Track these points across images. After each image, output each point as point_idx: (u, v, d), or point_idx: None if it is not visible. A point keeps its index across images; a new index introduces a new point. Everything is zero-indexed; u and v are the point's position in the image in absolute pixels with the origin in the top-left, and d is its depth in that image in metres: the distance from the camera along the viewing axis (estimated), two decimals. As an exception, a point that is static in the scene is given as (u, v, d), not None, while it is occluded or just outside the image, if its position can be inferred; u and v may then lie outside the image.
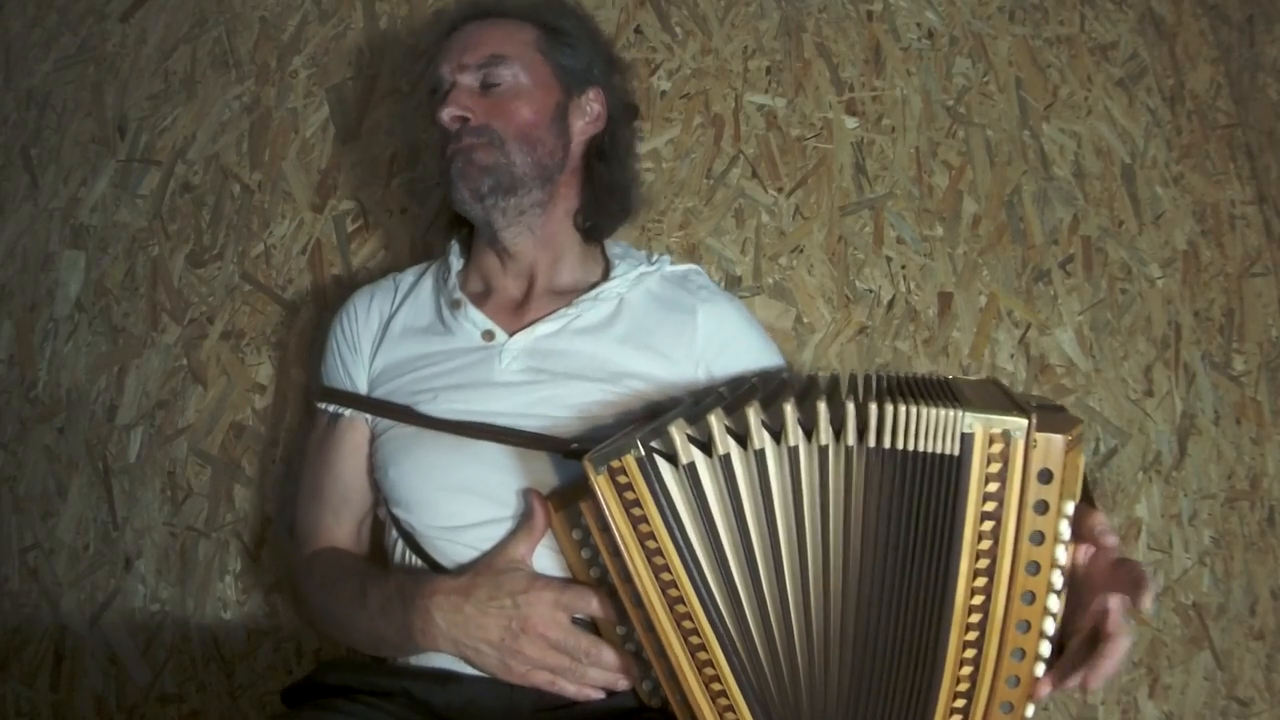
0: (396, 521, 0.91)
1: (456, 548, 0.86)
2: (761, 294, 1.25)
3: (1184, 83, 1.38)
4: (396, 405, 0.92)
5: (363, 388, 0.97)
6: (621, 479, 0.69)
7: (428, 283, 1.00)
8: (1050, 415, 0.66)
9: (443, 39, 0.99)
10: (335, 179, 1.27)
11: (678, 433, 0.69)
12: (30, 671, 1.17)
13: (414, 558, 0.89)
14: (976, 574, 0.65)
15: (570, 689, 0.80)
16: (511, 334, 0.92)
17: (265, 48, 1.31)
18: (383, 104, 1.28)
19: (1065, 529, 0.66)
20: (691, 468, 0.69)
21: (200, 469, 1.20)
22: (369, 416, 0.95)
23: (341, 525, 0.97)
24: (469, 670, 0.83)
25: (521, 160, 0.93)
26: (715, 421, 0.68)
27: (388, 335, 0.97)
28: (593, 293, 0.94)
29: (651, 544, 0.70)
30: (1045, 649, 0.67)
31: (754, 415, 0.68)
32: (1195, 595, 1.24)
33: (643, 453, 0.68)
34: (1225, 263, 1.33)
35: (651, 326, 0.93)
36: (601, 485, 0.70)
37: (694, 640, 0.71)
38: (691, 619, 0.71)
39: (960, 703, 0.68)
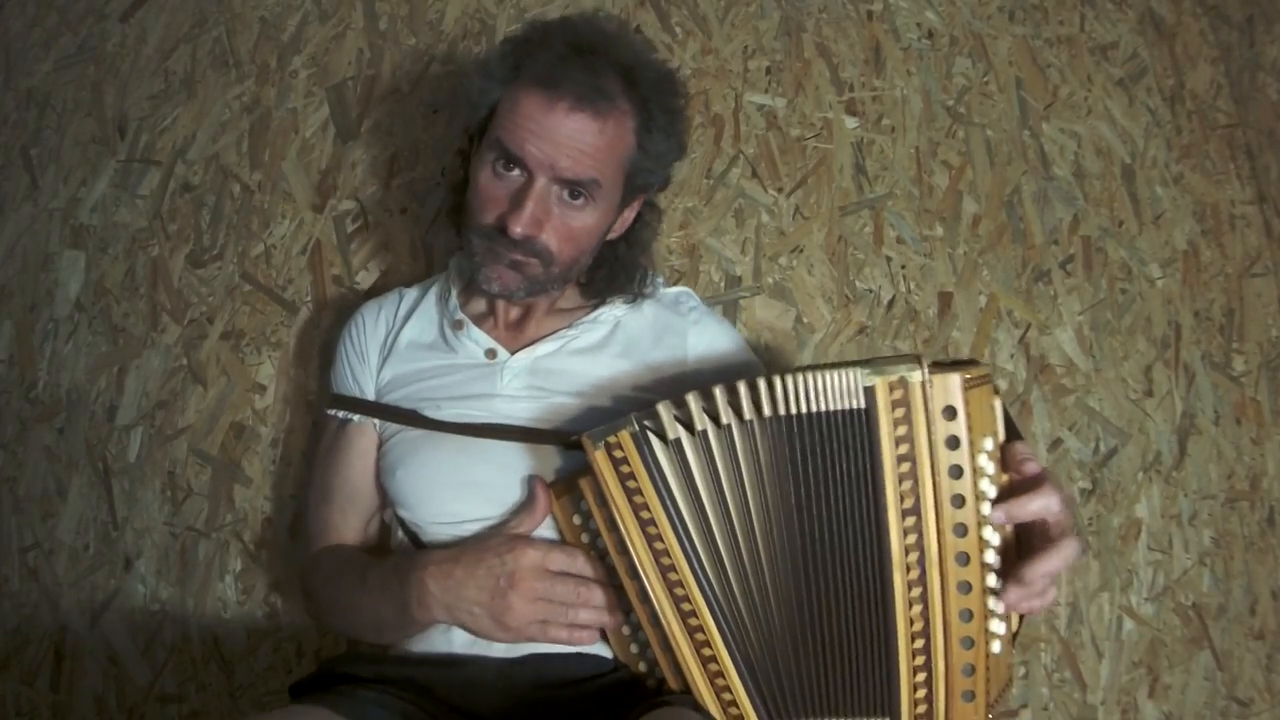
0: (402, 523, 0.93)
1: None
2: (761, 294, 1.25)
3: (1184, 83, 1.38)
4: (404, 410, 0.95)
5: (370, 395, 0.99)
6: (618, 454, 0.74)
7: (431, 300, 1.02)
8: (949, 363, 0.72)
9: (540, 101, 0.85)
10: (335, 179, 1.27)
11: (665, 411, 0.73)
12: (30, 671, 1.17)
13: None
14: (905, 514, 0.69)
15: (563, 635, 0.83)
16: (513, 352, 0.94)
17: (265, 48, 1.31)
18: (383, 104, 1.28)
19: (986, 462, 0.70)
20: (678, 443, 0.74)
21: (200, 469, 1.20)
22: (377, 422, 0.97)
23: (349, 523, 0.99)
24: (469, 652, 0.85)
25: (561, 277, 0.93)
26: (693, 401, 0.73)
27: (394, 348, 0.99)
28: (591, 315, 0.97)
29: (645, 514, 0.75)
30: (992, 580, 0.70)
31: (694, 400, 0.73)
32: (1195, 595, 1.24)
33: (637, 428, 0.74)
34: (1225, 263, 1.33)
35: (646, 348, 0.95)
36: (599, 460, 0.75)
37: (685, 607, 0.75)
38: (683, 586, 0.75)
39: (919, 643, 0.71)
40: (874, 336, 1.25)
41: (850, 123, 1.31)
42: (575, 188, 0.87)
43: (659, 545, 0.74)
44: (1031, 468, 0.74)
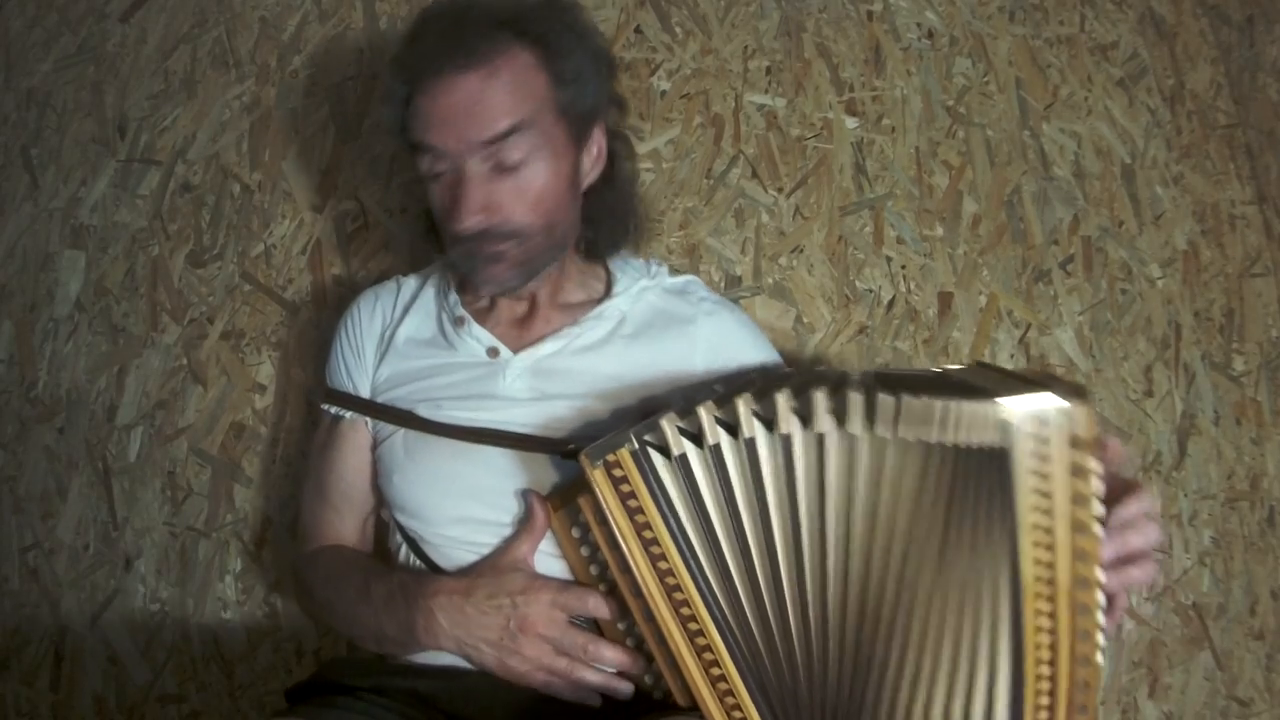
0: (400, 526, 0.91)
1: (460, 552, 0.87)
2: (761, 294, 1.25)
3: (1184, 83, 1.38)
4: (399, 410, 0.92)
5: (365, 391, 0.97)
6: (617, 472, 0.71)
7: (430, 293, 1.00)
8: (1061, 385, 0.68)
9: (424, 74, 0.84)
10: (335, 179, 1.27)
11: (668, 425, 0.70)
12: (30, 671, 1.17)
13: (418, 561, 0.90)
14: (1037, 546, 0.66)
15: (567, 691, 0.81)
16: (516, 351, 0.92)
17: (265, 48, 1.31)
18: (383, 104, 1.28)
19: (1097, 484, 0.67)
20: (683, 459, 0.71)
21: (200, 469, 1.20)
22: (370, 421, 0.95)
23: (345, 523, 0.98)
24: (472, 665, 0.83)
25: (547, 245, 0.89)
26: (705, 413, 0.70)
27: (392, 344, 0.97)
28: (596, 310, 0.93)
29: (648, 534, 0.72)
30: (1101, 598, 0.68)
31: (744, 405, 0.69)
32: (1195, 595, 1.24)
33: (636, 446, 0.70)
34: (1225, 263, 1.33)
35: (653, 341, 0.93)
36: (598, 480, 0.72)
37: (692, 627, 0.73)
38: (689, 606, 0.72)
39: (1045, 670, 0.68)
40: (874, 336, 1.25)
41: (850, 123, 1.31)
42: (502, 149, 0.83)
43: (663, 565, 0.72)
44: (1115, 446, 0.71)
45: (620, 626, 0.81)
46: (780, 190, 1.29)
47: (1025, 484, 0.65)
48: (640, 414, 0.82)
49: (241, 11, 1.32)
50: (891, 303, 1.27)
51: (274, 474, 1.20)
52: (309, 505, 1.00)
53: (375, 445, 0.95)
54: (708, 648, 0.73)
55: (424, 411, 0.91)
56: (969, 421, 0.65)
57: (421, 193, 1.22)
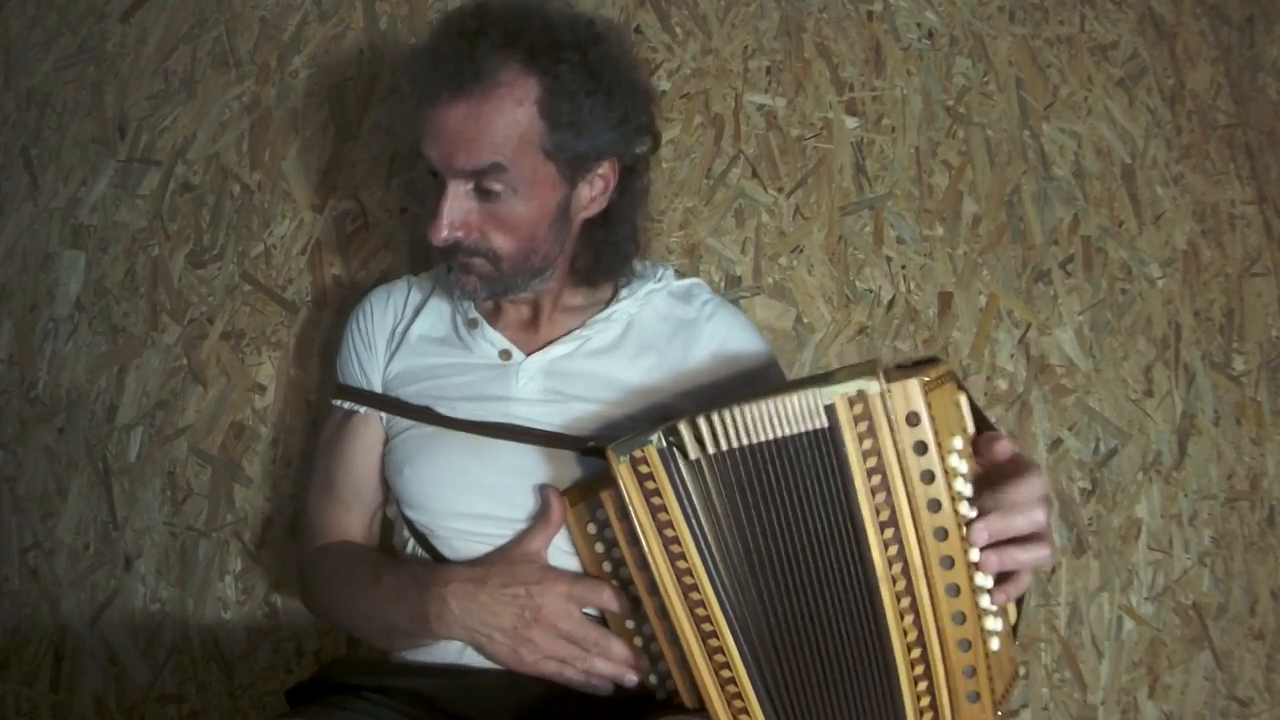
0: (409, 522, 0.92)
1: (469, 544, 0.87)
2: (761, 294, 1.25)
3: (1184, 83, 1.38)
4: (416, 405, 0.93)
5: (377, 386, 0.97)
6: (643, 469, 0.72)
7: (443, 294, 1.00)
8: (908, 369, 0.71)
9: (426, 100, 0.85)
10: (335, 179, 1.27)
11: (686, 429, 0.72)
12: (30, 671, 1.17)
13: (426, 556, 0.90)
14: (883, 527, 0.68)
15: (578, 679, 0.82)
16: (528, 354, 0.93)
17: (265, 48, 1.31)
18: (383, 104, 1.28)
19: (958, 462, 0.69)
20: (698, 463, 0.72)
21: (200, 469, 1.20)
22: (383, 415, 0.96)
23: (353, 519, 0.98)
24: (476, 663, 0.84)
25: (522, 269, 0.89)
26: (684, 428, 0.72)
27: (404, 341, 0.97)
28: (604, 313, 0.95)
29: (669, 532, 0.73)
30: (982, 580, 0.70)
31: (663, 431, 0.72)
32: (1195, 595, 1.24)
33: (665, 444, 0.72)
34: (1225, 263, 1.33)
35: (661, 345, 0.94)
36: (623, 474, 0.73)
37: (706, 627, 0.74)
38: (705, 606, 0.73)
39: (916, 653, 0.70)
40: (874, 336, 1.25)
41: (850, 123, 1.31)
42: (483, 178, 0.83)
43: (681, 564, 0.73)
44: (1003, 447, 0.72)
45: (629, 624, 0.82)
46: (780, 190, 1.29)
47: (857, 463, 0.68)
48: (655, 416, 0.83)
49: (241, 11, 1.32)
50: (891, 303, 1.27)
51: (274, 474, 1.20)
52: (315, 502, 1.00)
53: (387, 439, 0.96)
54: (720, 649, 0.74)
55: (439, 408, 0.92)
56: (791, 413, 0.68)
57: (421, 193, 1.25)
